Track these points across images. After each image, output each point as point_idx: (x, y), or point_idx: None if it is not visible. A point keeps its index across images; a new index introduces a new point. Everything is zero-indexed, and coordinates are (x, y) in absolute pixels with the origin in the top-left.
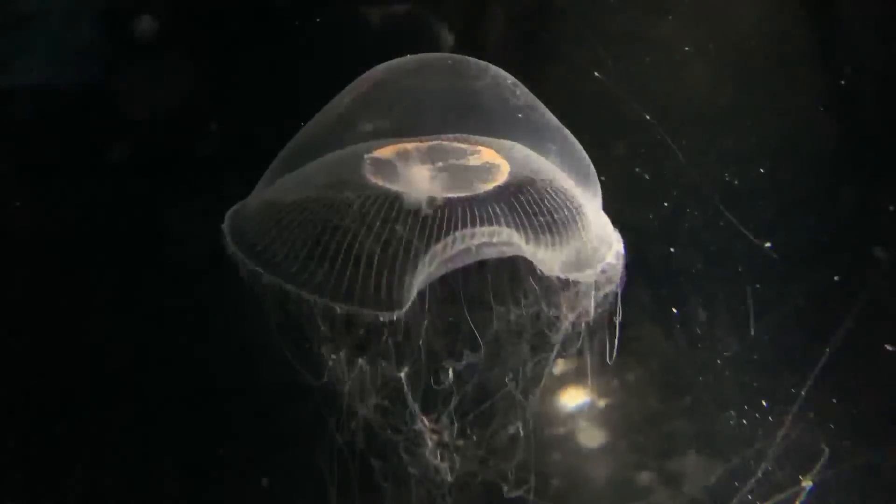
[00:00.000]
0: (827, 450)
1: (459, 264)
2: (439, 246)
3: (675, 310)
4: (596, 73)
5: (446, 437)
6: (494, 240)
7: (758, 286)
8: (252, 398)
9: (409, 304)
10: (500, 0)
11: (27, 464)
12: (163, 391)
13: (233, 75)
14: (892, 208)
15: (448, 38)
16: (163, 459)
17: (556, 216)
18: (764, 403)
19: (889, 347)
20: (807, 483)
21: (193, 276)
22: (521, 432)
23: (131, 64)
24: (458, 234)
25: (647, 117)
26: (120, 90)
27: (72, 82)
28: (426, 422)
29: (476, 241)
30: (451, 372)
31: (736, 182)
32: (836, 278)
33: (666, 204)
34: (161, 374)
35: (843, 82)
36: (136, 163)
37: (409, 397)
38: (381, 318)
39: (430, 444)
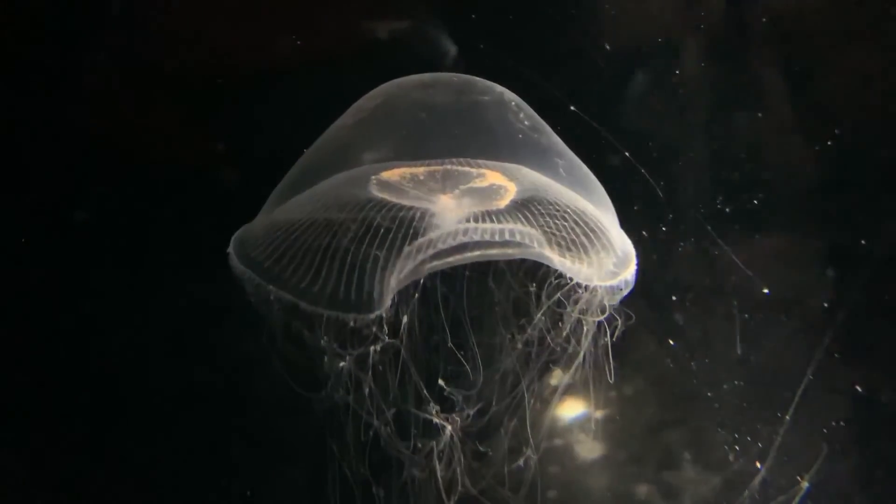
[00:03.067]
0: (826, 447)
1: (464, 261)
2: (439, 236)
3: (671, 342)
4: (572, 108)
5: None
6: (497, 238)
7: (753, 302)
8: (255, 416)
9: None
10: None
11: (20, 475)
12: (163, 406)
13: (236, 93)
14: (863, 242)
15: (452, 53)
16: (163, 474)
17: (566, 231)
18: (760, 414)
19: (859, 389)
20: (804, 484)
21: (196, 292)
22: (532, 460)
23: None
24: (459, 227)
25: (626, 154)
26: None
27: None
28: (439, 420)
29: (476, 237)
30: (449, 385)
31: (727, 210)
32: (825, 304)
33: (664, 228)
34: (161, 389)
35: (837, 131)
36: (138, 179)
37: (428, 400)
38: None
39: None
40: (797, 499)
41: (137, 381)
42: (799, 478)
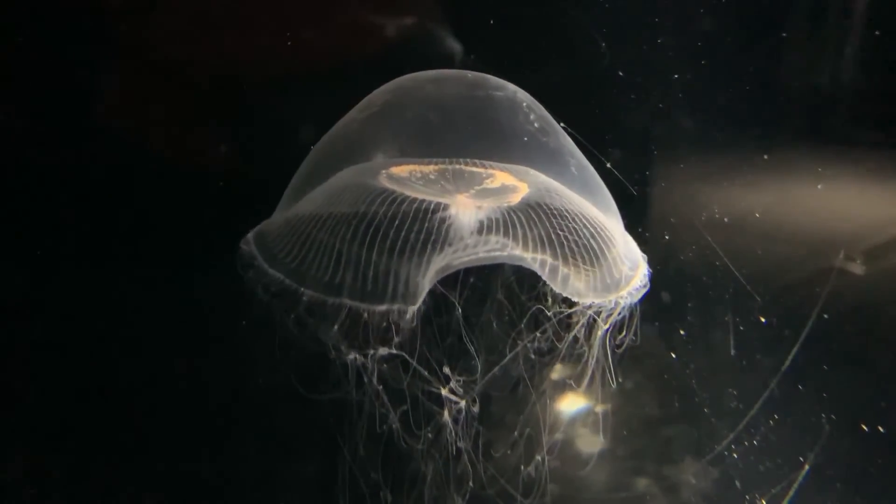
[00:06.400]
0: (827, 428)
1: (475, 263)
2: (453, 250)
3: (682, 331)
4: (562, 124)
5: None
6: (507, 252)
7: (749, 309)
8: (264, 413)
9: (418, 301)
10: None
11: (24, 471)
12: (171, 404)
13: (244, 93)
14: (857, 261)
15: (458, 51)
16: (170, 470)
17: (575, 236)
18: (757, 411)
19: (867, 429)
20: (806, 466)
21: (205, 289)
22: (535, 455)
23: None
24: (471, 240)
25: (608, 164)
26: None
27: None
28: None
29: (486, 249)
30: (453, 380)
31: (725, 220)
32: (825, 316)
33: (667, 237)
34: (170, 386)
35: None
36: (142, 178)
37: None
38: (397, 316)
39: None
40: (798, 480)
41: (145, 378)
42: (801, 459)
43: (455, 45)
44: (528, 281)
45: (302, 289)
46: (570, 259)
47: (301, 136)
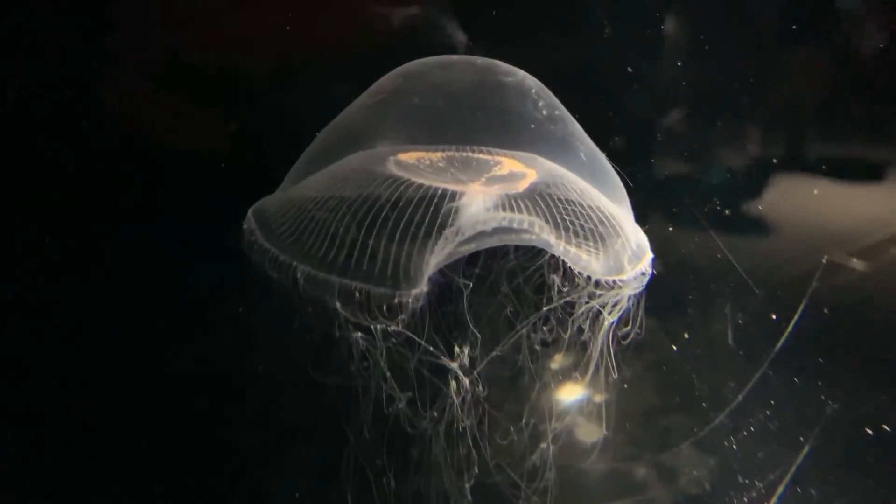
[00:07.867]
0: (829, 408)
1: (480, 247)
2: (457, 228)
3: (682, 323)
4: (556, 112)
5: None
6: (515, 226)
7: (749, 302)
8: (266, 396)
9: (423, 283)
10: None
11: (33, 463)
12: (173, 388)
13: (248, 79)
14: (855, 260)
15: (462, 40)
16: (172, 457)
17: (582, 221)
18: (755, 402)
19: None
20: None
21: (211, 274)
22: (549, 446)
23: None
24: (479, 217)
25: (606, 157)
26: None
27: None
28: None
29: (493, 225)
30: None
31: (727, 212)
32: (825, 310)
33: (671, 229)
34: (172, 370)
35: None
36: (149, 161)
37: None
38: (402, 298)
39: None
40: (798, 460)
41: (147, 362)
42: (801, 439)
43: (460, 34)
44: (532, 273)
45: (303, 267)
46: (580, 244)
47: (306, 125)
